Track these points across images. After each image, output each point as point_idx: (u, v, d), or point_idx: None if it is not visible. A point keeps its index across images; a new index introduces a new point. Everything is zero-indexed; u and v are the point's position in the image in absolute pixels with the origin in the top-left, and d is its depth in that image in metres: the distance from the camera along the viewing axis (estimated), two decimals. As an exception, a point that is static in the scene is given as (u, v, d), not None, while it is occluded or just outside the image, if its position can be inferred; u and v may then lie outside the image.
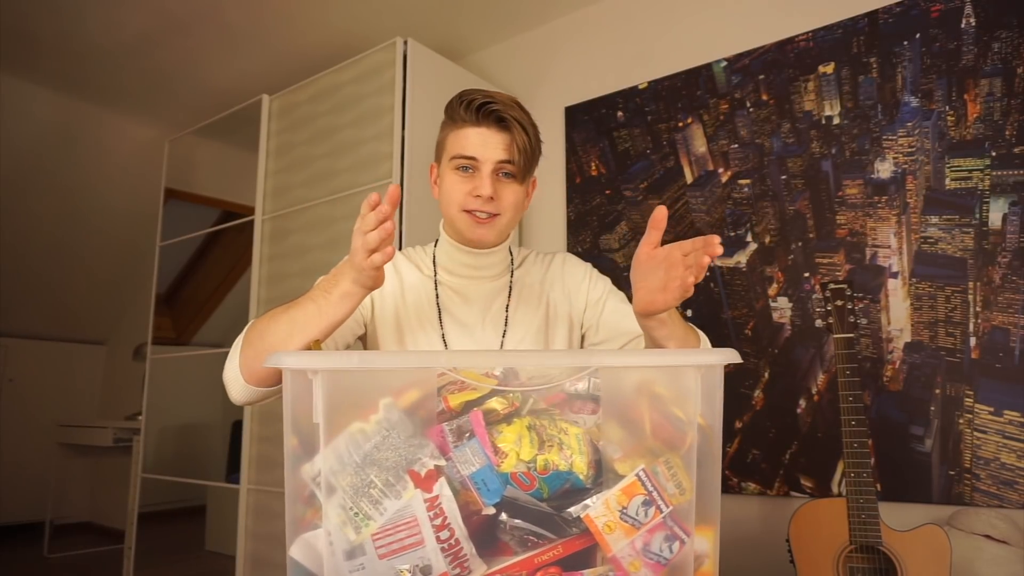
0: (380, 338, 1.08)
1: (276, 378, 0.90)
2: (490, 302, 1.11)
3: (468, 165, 1.02)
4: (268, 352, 0.84)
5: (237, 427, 2.42)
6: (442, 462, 0.65)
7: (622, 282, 2.12)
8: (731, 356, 0.72)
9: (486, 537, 0.66)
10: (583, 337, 1.16)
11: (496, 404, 0.69)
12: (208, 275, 2.71)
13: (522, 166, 1.02)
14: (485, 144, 1.01)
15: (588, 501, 0.67)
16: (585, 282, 1.15)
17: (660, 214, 0.81)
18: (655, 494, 0.69)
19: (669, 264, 0.79)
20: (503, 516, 0.66)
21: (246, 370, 0.90)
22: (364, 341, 1.12)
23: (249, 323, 0.96)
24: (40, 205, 3.36)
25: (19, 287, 3.65)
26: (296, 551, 0.64)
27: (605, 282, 1.17)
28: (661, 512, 0.69)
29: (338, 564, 0.62)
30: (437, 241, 1.16)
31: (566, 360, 0.73)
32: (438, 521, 0.64)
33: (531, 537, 0.67)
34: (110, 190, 3.50)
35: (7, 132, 2.97)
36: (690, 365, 0.72)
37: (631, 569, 0.67)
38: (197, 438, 2.76)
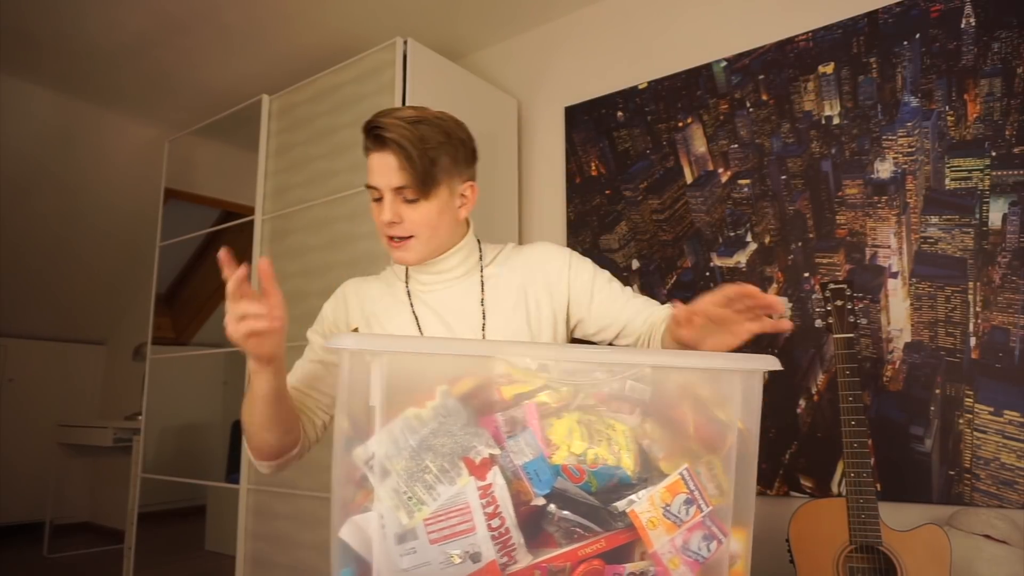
0: None
1: (280, 450, 1.00)
2: (461, 300, 1.10)
3: (376, 195, 1.03)
4: (255, 438, 0.97)
5: (237, 427, 2.42)
6: (496, 451, 0.66)
7: (620, 281, 2.12)
8: (772, 363, 0.73)
9: (532, 527, 0.67)
10: (574, 329, 1.14)
11: (547, 397, 0.70)
12: (208, 275, 2.71)
13: (418, 186, 0.99)
14: (380, 170, 1.01)
15: (634, 496, 0.69)
16: (566, 272, 1.11)
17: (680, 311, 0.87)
18: (697, 493, 0.70)
19: (727, 323, 0.85)
20: (551, 507, 0.67)
21: (255, 454, 1.01)
22: None
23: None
24: (40, 205, 3.36)
25: (19, 287, 3.65)
26: (346, 532, 0.64)
27: (587, 268, 1.13)
28: (701, 511, 0.70)
29: (389, 547, 0.62)
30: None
31: (620, 358, 0.73)
32: (490, 509, 0.64)
33: (578, 529, 0.67)
34: (110, 190, 3.50)
35: (7, 132, 2.97)
36: (736, 370, 0.73)
37: (670, 566, 0.69)
38: (197, 438, 2.76)
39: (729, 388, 0.74)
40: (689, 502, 0.70)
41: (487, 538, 0.64)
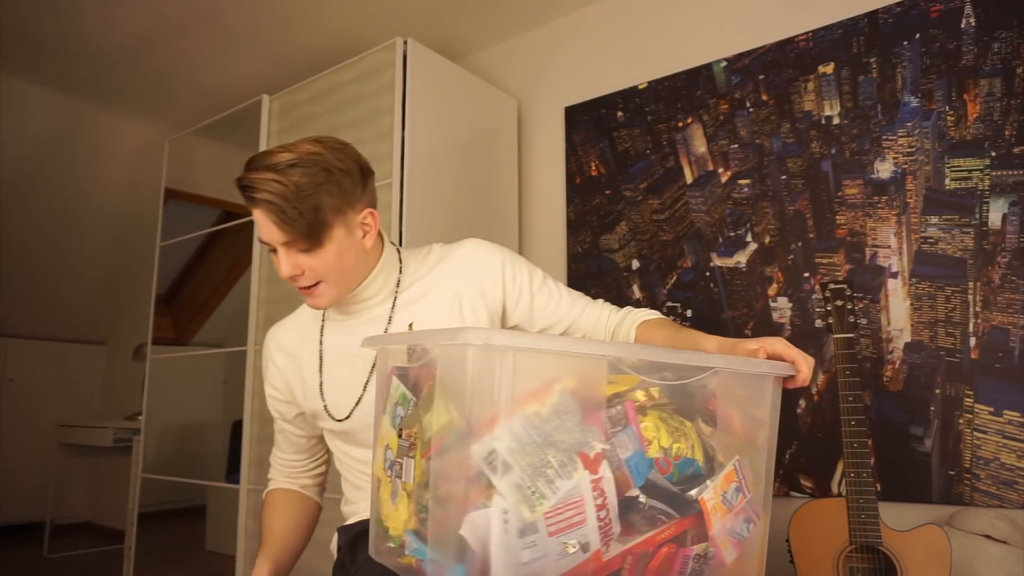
0: (304, 409, 1.12)
1: (304, 542, 1.16)
2: (378, 321, 1.07)
3: (269, 248, 0.98)
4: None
5: (237, 427, 2.42)
6: (607, 446, 0.70)
7: (619, 280, 2.12)
8: (790, 369, 0.85)
9: (623, 516, 0.71)
10: (513, 329, 1.11)
11: (640, 395, 0.75)
12: (208, 275, 2.71)
13: (302, 237, 0.92)
14: (263, 227, 0.94)
15: (704, 485, 0.76)
16: (499, 275, 1.08)
17: None
18: (743, 482, 0.80)
19: None
20: (642, 497, 0.72)
21: None
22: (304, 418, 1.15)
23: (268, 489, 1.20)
24: (40, 205, 3.36)
25: (19, 287, 3.65)
26: (465, 530, 0.64)
27: (523, 269, 1.10)
28: (746, 497, 0.80)
29: (510, 541, 0.63)
30: None
31: (698, 360, 0.79)
32: (599, 501, 0.68)
33: (661, 516, 0.73)
34: (110, 190, 3.50)
35: (7, 133, 2.97)
36: (779, 375, 0.85)
37: (722, 546, 0.77)
38: (197, 438, 2.76)
39: (762, 389, 0.84)
40: (738, 489, 0.79)
41: (595, 528, 0.67)
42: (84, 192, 3.43)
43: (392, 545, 0.77)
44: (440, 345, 0.71)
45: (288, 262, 0.96)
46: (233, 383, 2.50)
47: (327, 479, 1.23)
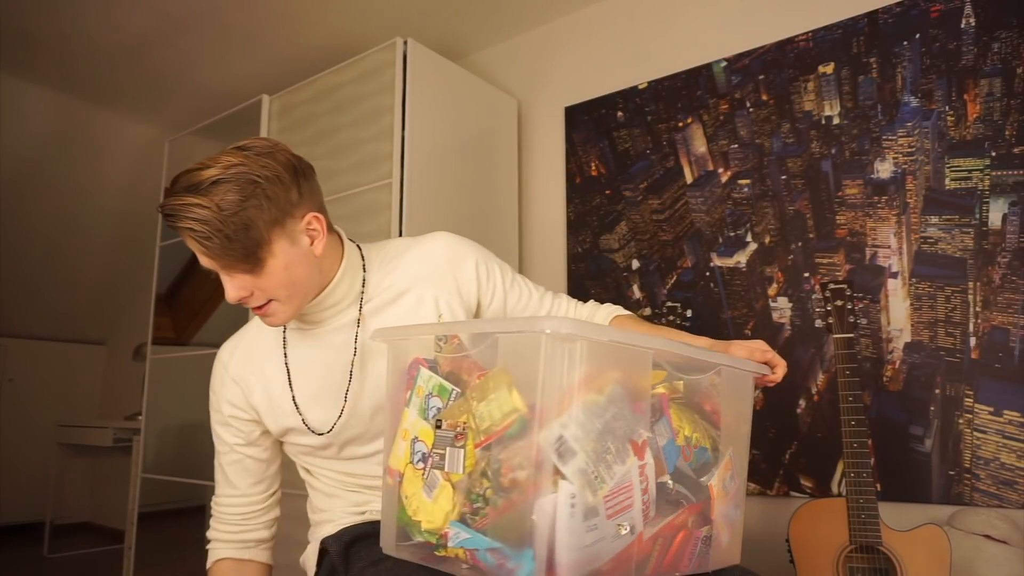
0: (271, 428, 1.03)
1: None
2: (347, 327, 1.01)
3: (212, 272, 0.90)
4: None
5: (237, 427, 2.41)
6: (650, 433, 0.74)
7: (619, 280, 2.12)
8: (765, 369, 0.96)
9: (656, 500, 0.76)
10: None
11: (664, 388, 0.80)
12: (208, 275, 2.70)
13: (239, 261, 0.85)
14: (197, 254, 0.86)
15: (711, 472, 0.82)
16: (473, 271, 1.05)
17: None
18: (736, 470, 0.87)
19: None
20: (670, 482, 0.77)
21: None
22: (269, 438, 1.07)
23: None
24: (40, 205, 3.36)
25: (19, 287, 3.65)
26: (537, 515, 0.66)
27: (496, 267, 1.09)
28: (736, 484, 0.87)
29: (576, 525, 0.65)
30: None
31: (710, 358, 0.85)
32: (643, 485, 0.72)
33: (683, 500, 0.78)
34: (110, 190, 3.50)
35: (7, 132, 2.97)
36: (758, 373, 0.94)
37: (719, 528, 0.84)
38: (197, 438, 2.76)
39: (746, 386, 0.93)
40: (732, 477, 0.86)
41: (640, 512, 0.71)
42: (84, 192, 3.43)
43: (422, 539, 0.76)
44: (505, 334, 0.73)
45: (233, 286, 0.88)
46: (233, 383, 2.50)
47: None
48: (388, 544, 0.82)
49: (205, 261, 0.87)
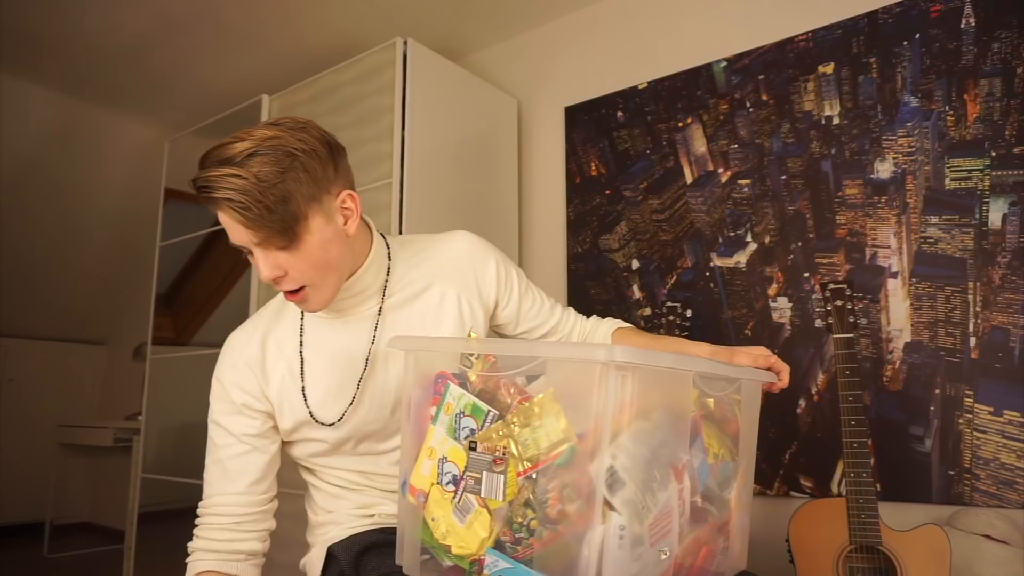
0: (283, 423, 0.99)
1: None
2: (368, 320, 0.99)
3: (243, 251, 0.88)
4: None
5: (237, 427, 2.41)
6: (687, 456, 0.73)
7: (619, 280, 2.12)
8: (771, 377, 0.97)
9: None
10: (497, 327, 1.12)
11: (698, 407, 0.79)
12: (208, 275, 2.71)
13: (276, 235, 0.82)
14: (231, 229, 0.84)
15: (732, 485, 0.81)
16: (493, 276, 1.06)
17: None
18: (747, 479, 0.87)
19: None
20: (698, 500, 0.75)
21: None
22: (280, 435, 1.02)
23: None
24: (40, 205, 3.36)
25: (19, 287, 3.65)
26: (586, 548, 0.64)
27: (513, 270, 1.10)
28: (749, 493, 0.87)
29: (624, 556, 0.64)
30: None
31: (734, 373, 0.86)
32: (680, 509, 0.70)
33: (708, 516, 0.76)
34: (110, 190, 3.50)
35: (7, 133, 2.97)
36: (767, 382, 0.95)
37: (733, 538, 0.83)
38: (197, 438, 2.75)
39: (756, 395, 0.92)
40: (746, 486, 0.86)
41: (676, 535, 0.69)
42: (84, 192, 3.43)
43: (451, 563, 0.74)
44: (555, 359, 0.69)
45: (267, 263, 0.85)
46: (233, 383, 2.50)
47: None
48: (411, 565, 0.79)
49: (240, 236, 0.84)
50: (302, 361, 0.97)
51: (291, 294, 0.89)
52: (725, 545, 0.80)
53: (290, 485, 1.16)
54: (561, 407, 0.67)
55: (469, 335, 0.98)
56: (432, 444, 0.77)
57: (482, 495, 0.70)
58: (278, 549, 1.13)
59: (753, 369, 0.92)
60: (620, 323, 1.16)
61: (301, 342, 0.98)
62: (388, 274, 1.00)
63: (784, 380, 0.96)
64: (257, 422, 0.97)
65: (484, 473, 0.70)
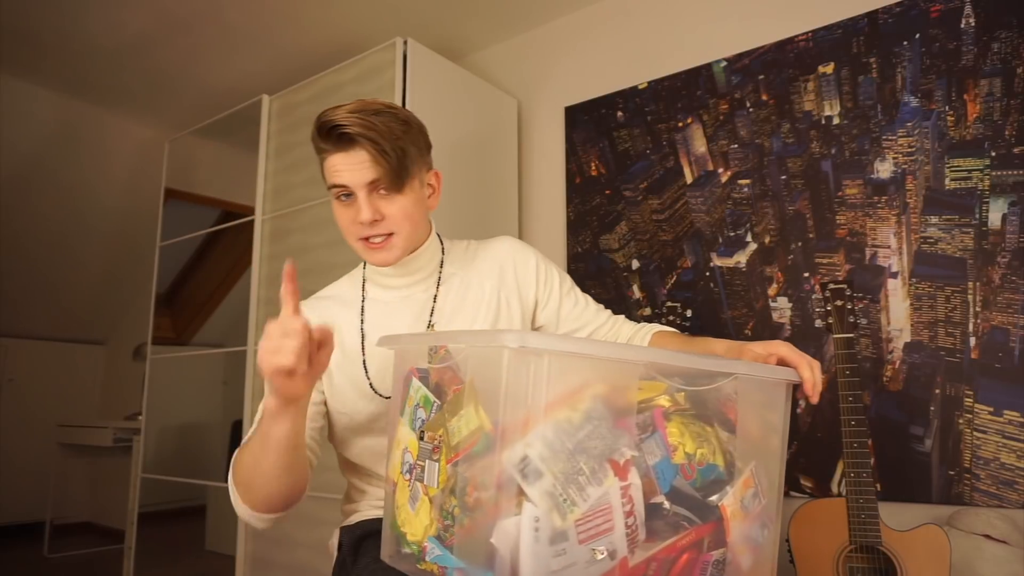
0: (328, 395, 1.05)
1: (288, 500, 0.91)
2: (421, 304, 1.07)
3: (345, 193, 0.97)
4: (259, 492, 0.86)
5: (237, 427, 2.42)
6: (635, 452, 0.69)
7: (619, 280, 2.12)
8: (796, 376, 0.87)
9: (648, 523, 0.71)
10: (539, 330, 1.13)
11: (665, 401, 0.75)
12: (208, 275, 2.71)
13: (392, 177, 0.95)
14: (349, 168, 0.94)
15: (724, 491, 0.75)
16: (533, 274, 1.11)
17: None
18: (759, 487, 0.79)
19: None
20: (666, 503, 0.71)
21: (258, 507, 0.90)
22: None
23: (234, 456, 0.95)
24: (41, 205, 3.36)
25: (19, 287, 3.65)
26: (496, 538, 0.63)
27: (555, 272, 1.14)
28: (761, 502, 0.79)
29: (541, 550, 0.62)
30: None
31: (717, 366, 0.79)
32: (627, 508, 0.67)
33: (684, 523, 0.72)
34: (110, 190, 3.50)
35: (8, 132, 2.97)
36: (792, 381, 0.85)
37: (739, 552, 0.76)
38: (197, 438, 2.76)
39: (776, 395, 0.85)
40: (755, 495, 0.78)
41: (623, 536, 0.66)
42: (84, 192, 3.44)
43: (409, 551, 0.76)
44: (473, 347, 0.69)
45: (370, 206, 0.96)
46: (233, 383, 2.50)
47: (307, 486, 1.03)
48: (385, 553, 0.82)
49: (357, 175, 0.94)
50: (363, 337, 1.05)
51: (377, 240, 0.99)
52: (723, 558, 0.74)
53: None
54: (478, 395, 0.67)
55: (429, 327, 1.04)
56: (399, 436, 0.81)
57: (424, 482, 0.73)
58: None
59: (756, 365, 0.84)
60: (661, 328, 1.13)
61: (362, 320, 1.06)
62: (441, 266, 1.09)
63: (807, 377, 0.85)
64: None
65: (427, 462, 0.73)
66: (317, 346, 0.77)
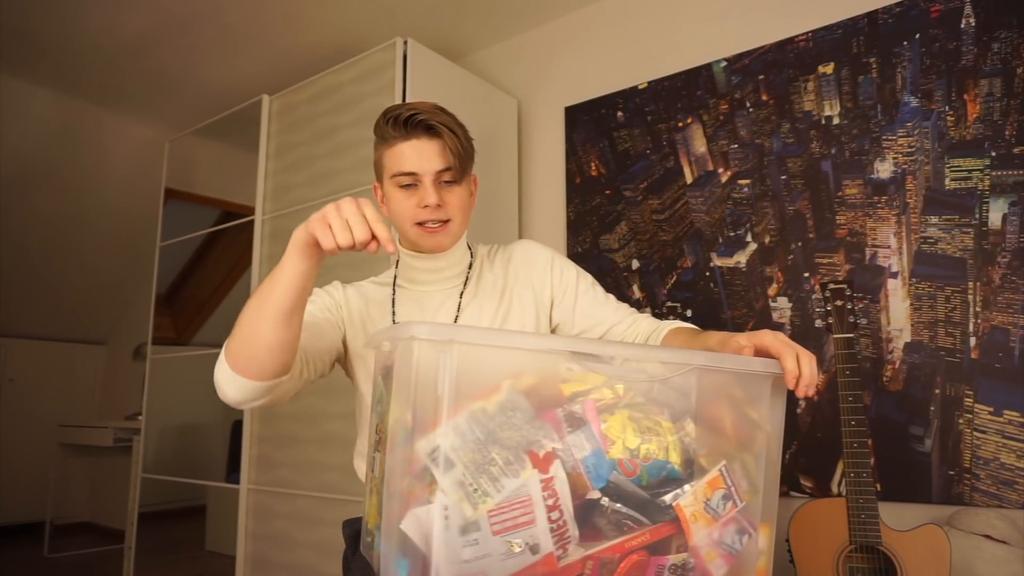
0: (349, 355, 1.09)
1: (278, 368, 0.86)
2: (445, 300, 1.11)
3: (410, 181, 1.03)
4: (249, 336, 0.83)
5: (237, 427, 2.42)
6: (559, 445, 0.68)
7: (619, 280, 2.12)
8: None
9: (585, 520, 0.69)
10: (554, 329, 1.15)
11: (607, 394, 0.72)
12: (208, 275, 2.71)
13: (459, 168, 1.04)
14: (420, 156, 1.02)
15: (680, 490, 0.72)
16: (548, 273, 1.13)
17: None
18: (733, 489, 0.74)
19: None
20: (604, 500, 0.69)
21: (248, 366, 0.85)
22: (342, 363, 1.12)
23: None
24: (41, 205, 3.36)
25: (19, 287, 3.65)
26: (406, 524, 0.64)
27: (571, 270, 1.15)
28: (736, 506, 0.74)
29: (451, 538, 0.63)
30: (398, 262, 1.15)
31: (671, 357, 0.75)
32: (550, 502, 0.66)
33: (628, 522, 0.69)
34: (110, 190, 3.50)
35: (8, 132, 2.97)
36: (760, 372, 0.79)
37: (707, 558, 0.72)
38: (197, 438, 2.76)
39: (759, 389, 0.79)
40: (726, 497, 0.73)
41: (546, 530, 0.65)
42: (84, 192, 3.44)
43: (369, 540, 0.79)
44: (395, 340, 0.70)
45: (435, 193, 1.02)
46: (233, 383, 2.50)
47: (291, 381, 0.95)
48: (362, 543, 0.85)
49: (429, 163, 1.01)
50: (394, 304, 1.11)
51: (435, 225, 1.05)
52: (684, 563, 0.71)
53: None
54: (399, 387, 0.69)
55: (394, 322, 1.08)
56: (370, 430, 0.85)
57: (374, 473, 0.75)
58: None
59: (724, 356, 0.78)
60: (678, 324, 1.10)
61: (393, 312, 1.10)
62: (470, 268, 1.15)
63: (788, 368, 0.78)
64: (331, 310, 1.07)
65: (376, 454, 0.76)
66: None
